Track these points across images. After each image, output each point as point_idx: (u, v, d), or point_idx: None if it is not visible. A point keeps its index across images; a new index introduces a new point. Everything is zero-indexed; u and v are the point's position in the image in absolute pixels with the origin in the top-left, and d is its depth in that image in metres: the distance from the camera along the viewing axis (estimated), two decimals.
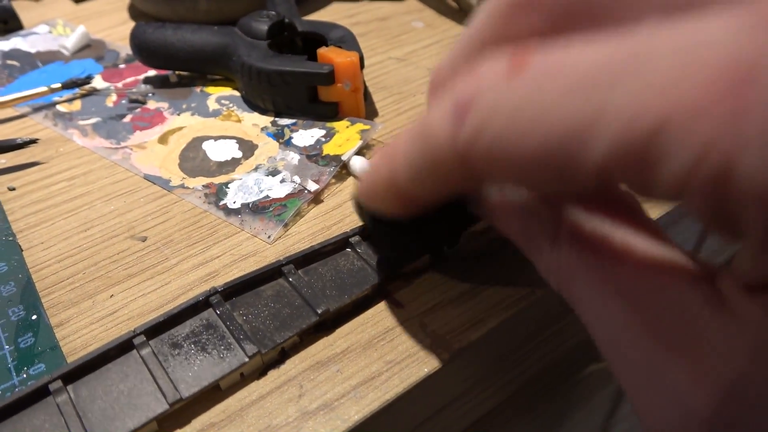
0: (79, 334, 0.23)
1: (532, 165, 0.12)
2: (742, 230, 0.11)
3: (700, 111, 0.10)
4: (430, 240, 0.24)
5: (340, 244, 0.24)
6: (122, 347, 0.21)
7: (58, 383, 0.20)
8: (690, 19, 0.11)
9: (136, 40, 0.35)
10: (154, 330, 0.21)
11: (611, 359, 0.15)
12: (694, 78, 0.10)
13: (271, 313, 0.22)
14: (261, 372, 0.21)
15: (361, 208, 0.21)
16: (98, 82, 0.38)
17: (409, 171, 0.16)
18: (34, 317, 0.23)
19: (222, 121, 0.34)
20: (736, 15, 0.10)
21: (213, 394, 0.20)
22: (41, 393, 0.20)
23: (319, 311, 0.22)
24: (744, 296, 0.13)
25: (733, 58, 0.10)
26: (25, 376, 0.21)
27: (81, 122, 0.35)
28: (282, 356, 0.22)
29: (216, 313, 0.22)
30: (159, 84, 0.37)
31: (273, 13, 0.35)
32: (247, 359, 0.20)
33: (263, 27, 0.34)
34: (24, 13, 0.47)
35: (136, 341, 0.21)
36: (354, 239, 0.24)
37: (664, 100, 0.10)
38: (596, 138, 0.11)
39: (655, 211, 0.27)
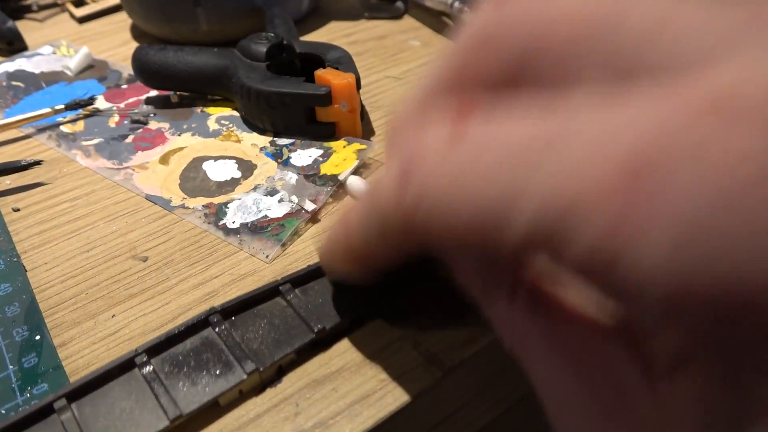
0: (81, 354, 0.23)
1: (463, 234, 0.13)
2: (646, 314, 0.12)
3: (597, 202, 0.11)
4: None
5: None
6: (124, 366, 0.21)
7: (63, 401, 0.20)
8: (614, 99, 0.12)
9: (138, 61, 0.36)
10: (156, 349, 0.22)
11: (559, 425, 0.15)
12: (597, 168, 0.11)
13: (269, 332, 0.23)
14: (259, 389, 0.22)
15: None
16: (101, 103, 0.39)
17: (361, 233, 0.17)
18: (37, 337, 0.23)
19: (222, 141, 0.35)
20: (653, 99, 0.11)
21: (212, 411, 0.21)
22: (46, 411, 0.20)
23: (316, 329, 0.22)
24: (667, 372, 0.14)
25: (630, 151, 0.10)
26: (28, 395, 0.22)
27: (84, 143, 0.35)
28: (279, 374, 0.22)
29: (215, 332, 0.22)
30: (160, 104, 0.38)
31: (272, 35, 0.35)
32: (245, 376, 0.21)
33: (262, 49, 0.34)
34: (28, 33, 0.48)
35: (138, 360, 0.21)
36: None
37: (572, 186, 0.11)
38: (517, 214, 0.12)
39: None
